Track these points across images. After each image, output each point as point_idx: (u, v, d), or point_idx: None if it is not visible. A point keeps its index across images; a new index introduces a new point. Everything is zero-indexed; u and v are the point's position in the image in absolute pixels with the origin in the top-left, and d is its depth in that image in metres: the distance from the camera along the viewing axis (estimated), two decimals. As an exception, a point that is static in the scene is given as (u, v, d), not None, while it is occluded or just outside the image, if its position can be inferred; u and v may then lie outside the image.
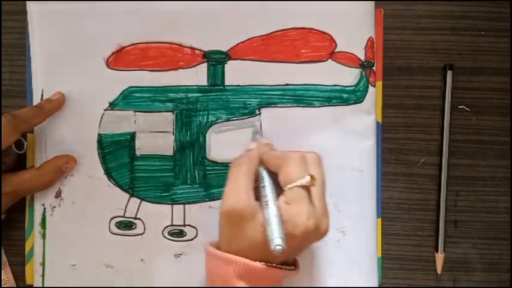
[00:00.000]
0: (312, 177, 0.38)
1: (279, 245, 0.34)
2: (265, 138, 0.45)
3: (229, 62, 0.48)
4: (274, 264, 0.38)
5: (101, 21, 0.47)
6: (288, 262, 0.40)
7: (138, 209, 0.48)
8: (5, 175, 0.46)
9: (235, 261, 0.37)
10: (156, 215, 0.48)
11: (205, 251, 0.40)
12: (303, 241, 0.38)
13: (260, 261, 0.37)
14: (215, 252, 0.39)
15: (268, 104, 0.48)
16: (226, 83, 0.48)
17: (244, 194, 0.38)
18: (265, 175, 0.40)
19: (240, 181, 0.39)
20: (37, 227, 0.49)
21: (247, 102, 0.48)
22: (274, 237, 0.35)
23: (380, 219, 0.50)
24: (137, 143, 0.48)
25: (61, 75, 0.48)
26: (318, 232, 0.38)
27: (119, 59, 0.47)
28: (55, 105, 0.47)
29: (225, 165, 0.48)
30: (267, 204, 0.37)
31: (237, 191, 0.38)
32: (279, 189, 0.39)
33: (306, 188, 0.38)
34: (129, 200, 0.48)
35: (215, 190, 0.48)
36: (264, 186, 0.39)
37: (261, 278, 0.38)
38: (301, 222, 0.36)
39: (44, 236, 0.49)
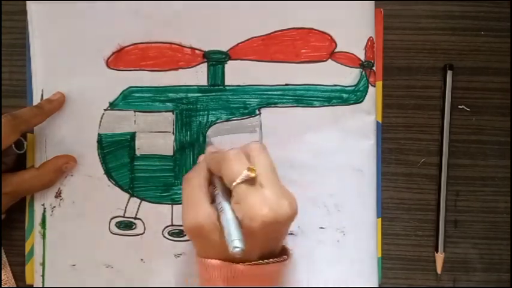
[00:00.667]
0: (250, 168, 0.36)
1: (237, 246, 0.34)
2: (212, 146, 0.46)
3: (229, 62, 0.48)
4: (258, 261, 0.37)
5: (101, 21, 0.47)
6: (274, 254, 0.39)
7: (138, 209, 0.48)
8: (5, 175, 0.46)
9: (218, 266, 0.37)
10: (156, 215, 0.48)
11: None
12: (268, 231, 0.36)
13: (241, 263, 0.37)
14: (199, 259, 0.39)
15: (268, 104, 0.48)
16: (226, 83, 0.48)
17: (200, 208, 0.38)
18: (217, 183, 0.40)
19: (193, 196, 0.39)
20: (37, 227, 0.49)
21: (247, 102, 0.48)
22: (231, 240, 0.34)
23: (380, 219, 0.50)
24: (137, 143, 0.48)
25: (61, 75, 0.48)
26: (279, 217, 0.36)
27: (119, 59, 0.47)
28: (55, 105, 0.47)
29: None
30: (222, 209, 0.37)
31: (193, 206, 0.38)
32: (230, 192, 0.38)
33: (251, 181, 0.37)
34: (129, 200, 0.48)
35: (215, 190, 0.48)
36: (217, 193, 0.39)
37: (248, 278, 0.37)
38: (255, 215, 0.35)
39: (44, 236, 0.49)
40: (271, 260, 0.38)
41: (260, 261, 0.38)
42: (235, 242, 0.34)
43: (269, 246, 0.39)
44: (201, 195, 0.39)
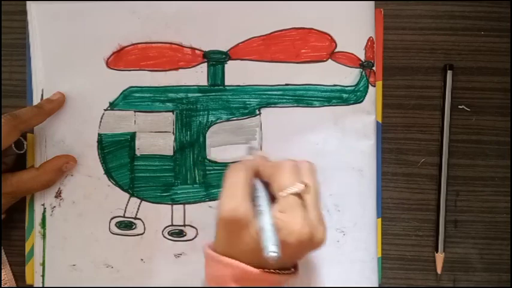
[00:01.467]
0: (306, 184, 0.38)
1: (274, 251, 0.34)
2: (262, 152, 0.46)
3: (229, 62, 0.48)
4: (271, 270, 0.38)
5: (101, 21, 0.47)
6: (285, 267, 0.40)
7: (138, 209, 0.48)
8: (5, 175, 0.46)
9: (232, 265, 0.37)
10: (156, 215, 0.48)
11: (203, 253, 0.40)
12: (298, 249, 0.37)
13: (256, 267, 0.37)
14: (213, 255, 0.39)
15: (268, 104, 0.48)
16: (226, 83, 0.48)
17: (242, 201, 0.38)
18: (259, 186, 0.40)
19: (237, 187, 0.38)
20: (37, 227, 0.49)
21: (247, 102, 0.48)
22: (268, 245, 0.34)
23: (380, 219, 0.50)
24: (137, 143, 0.48)
25: (61, 75, 0.48)
26: (313, 240, 0.37)
27: (119, 59, 0.47)
28: (55, 105, 0.47)
29: (225, 165, 0.48)
30: (262, 212, 0.37)
31: (235, 197, 0.38)
32: (272, 200, 0.39)
33: (300, 196, 0.38)
34: (129, 200, 0.48)
35: (215, 190, 0.48)
36: (258, 196, 0.39)
37: (257, 282, 0.37)
38: (295, 230, 0.36)
39: (44, 236, 0.49)
40: (283, 271, 0.38)
41: (272, 270, 0.38)
42: (272, 247, 0.34)
43: (290, 261, 0.39)
44: (245, 189, 0.39)
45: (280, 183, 0.38)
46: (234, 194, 0.38)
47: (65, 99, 0.48)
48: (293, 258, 0.39)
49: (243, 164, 0.41)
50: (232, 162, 0.48)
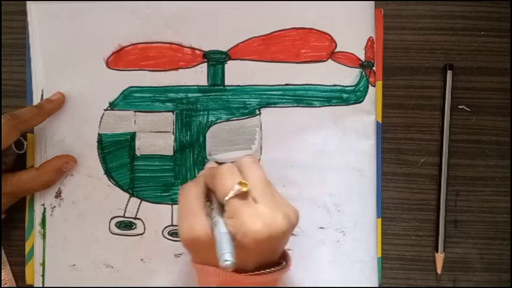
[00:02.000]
0: (242, 183, 0.36)
1: (227, 260, 0.34)
2: (211, 162, 0.46)
3: (229, 62, 0.47)
4: (256, 272, 0.37)
5: (101, 21, 0.47)
6: (273, 262, 0.39)
7: (138, 209, 0.48)
8: (5, 175, 0.46)
9: (216, 274, 0.37)
10: (156, 215, 0.48)
11: (192, 267, 0.40)
12: (263, 246, 0.36)
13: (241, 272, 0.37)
14: (197, 266, 0.39)
15: (268, 104, 0.48)
16: (226, 83, 0.48)
17: (196, 219, 0.37)
18: (212, 197, 0.40)
19: (189, 207, 0.38)
20: (37, 227, 0.49)
21: (247, 102, 0.48)
22: (221, 254, 0.34)
23: (380, 219, 0.49)
24: (137, 143, 0.48)
25: (61, 75, 0.48)
26: (273, 232, 0.35)
27: (119, 59, 0.47)
28: (55, 105, 0.47)
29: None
30: (215, 223, 0.37)
31: (189, 217, 0.38)
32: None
33: (243, 195, 0.36)
34: (129, 200, 0.48)
35: (215, 190, 0.48)
36: (213, 208, 0.39)
37: (247, 285, 0.37)
38: (247, 231, 0.35)
39: (44, 236, 0.49)
40: (268, 270, 0.37)
41: (257, 272, 0.37)
42: (226, 256, 0.34)
43: (265, 259, 0.38)
44: (198, 206, 0.38)
45: (221, 190, 0.37)
46: (187, 213, 0.38)
47: (64, 99, 0.47)
48: (266, 255, 0.38)
49: (193, 182, 0.41)
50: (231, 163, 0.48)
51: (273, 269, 0.38)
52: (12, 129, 0.43)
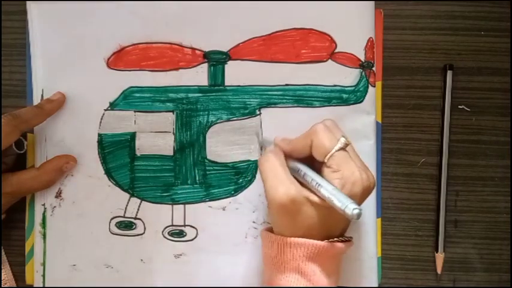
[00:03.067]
0: (345, 137, 0.40)
1: (357, 208, 0.35)
2: (277, 136, 0.45)
3: (230, 62, 0.47)
4: (336, 239, 0.39)
5: (102, 21, 0.47)
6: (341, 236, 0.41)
7: (138, 209, 0.48)
8: (5, 175, 0.46)
9: (304, 244, 0.38)
10: (156, 215, 0.48)
11: (263, 238, 0.42)
12: (363, 197, 0.39)
13: (321, 239, 0.38)
14: (280, 239, 0.39)
15: (269, 104, 0.48)
16: (226, 83, 0.48)
17: (290, 183, 0.39)
18: (299, 165, 0.41)
19: (279, 172, 0.39)
20: (37, 227, 0.49)
21: (248, 103, 0.48)
22: (347, 204, 0.35)
23: (380, 219, 0.49)
24: (137, 143, 0.48)
25: (61, 75, 0.47)
26: (372, 184, 0.39)
27: (119, 59, 0.47)
28: (55, 105, 0.47)
29: (225, 165, 0.48)
30: (319, 185, 0.38)
31: (281, 181, 0.39)
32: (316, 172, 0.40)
33: (344, 149, 0.39)
34: (129, 200, 0.48)
35: (215, 190, 0.48)
36: (304, 173, 0.40)
37: (328, 256, 0.39)
38: (357, 180, 0.38)
39: (44, 236, 0.48)
40: (345, 237, 0.41)
41: (337, 239, 0.39)
42: (354, 205, 0.35)
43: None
44: (286, 172, 0.40)
45: (323, 147, 0.39)
46: (278, 178, 0.39)
47: (65, 99, 0.47)
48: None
49: (272, 152, 0.42)
50: (231, 163, 0.48)
51: (347, 238, 0.41)
52: (13, 129, 0.43)
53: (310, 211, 0.38)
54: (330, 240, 0.39)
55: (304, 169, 0.40)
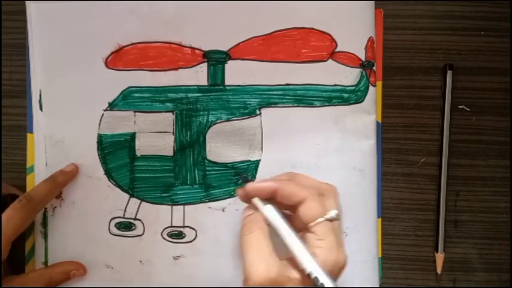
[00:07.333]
0: (337, 211, 0.37)
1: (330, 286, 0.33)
2: (258, 179, 0.43)
3: (230, 62, 0.45)
4: None
5: (100, 20, 0.45)
6: None
7: (137, 209, 0.46)
8: (12, 278, 0.43)
9: None
10: (156, 216, 0.46)
11: None
12: (337, 275, 0.36)
13: None
14: None
15: (269, 104, 0.45)
16: (226, 83, 0.45)
17: (273, 261, 0.35)
18: (281, 228, 0.37)
19: (262, 247, 0.35)
20: (38, 227, 0.46)
21: (248, 102, 0.45)
22: (325, 282, 0.34)
23: (380, 219, 0.47)
24: (137, 143, 0.46)
25: (60, 75, 0.45)
26: (344, 263, 0.36)
27: (118, 58, 0.45)
28: (69, 177, 0.45)
29: (225, 166, 0.46)
30: (297, 252, 0.35)
31: (263, 259, 0.35)
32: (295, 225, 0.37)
33: (330, 221, 0.36)
34: (129, 200, 0.46)
35: (215, 191, 0.46)
36: (284, 239, 0.36)
37: None
38: (339, 257, 0.35)
39: (45, 236, 0.46)
40: None
41: None
42: (331, 283, 0.34)
43: None
44: (269, 246, 0.36)
45: (309, 213, 0.36)
46: (260, 254, 0.35)
47: (78, 170, 0.45)
48: None
49: (255, 222, 0.37)
50: (231, 163, 0.46)
51: None
52: (30, 213, 0.42)
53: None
54: None
55: (284, 233, 0.36)
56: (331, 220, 0.36)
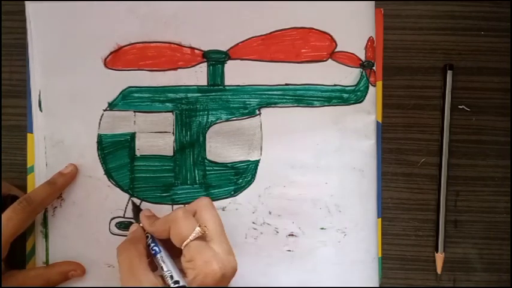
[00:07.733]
0: (201, 226, 0.37)
1: None
2: (146, 210, 0.44)
3: (229, 62, 0.45)
4: None
5: (99, 21, 0.44)
6: None
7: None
8: (12, 273, 0.43)
9: None
10: (156, 216, 0.46)
11: None
12: (221, 284, 0.36)
13: None
14: None
15: (269, 104, 0.45)
16: (226, 83, 0.45)
17: (145, 278, 0.36)
18: (157, 248, 0.39)
19: (134, 267, 0.37)
20: (39, 227, 0.46)
21: (247, 102, 0.45)
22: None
23: (380, 219, 0.47)
24: (137, 143, 0.45)
25: (59, 76, 0.45)
26: (228, 272, 0.36)
27: (117, 58, 0.45)
28: (68, 179, 0.45)
29: (225, 166, 0.46)
30: (168, 276, 0.37)
31: (135, 275, 0.36)
32: (175, 251, 0.38)
33: (202, 238, 0.37)
34: (129, 200, 0.46)
35: (215, 190, 0.46)
36: (160, 260, 0.38)
37: None
38: (209, 272, 0.35)
39: (46, 236, 0.46)
40: None
41: None
42: None
43: None
44: (142, 264, 0.37)
45: (179, 235, 0.37)
46: (133, 271, 0.37)
47: (77, 170, 0.45)
48: None
49: (131, 240, 0.40)
50: (231, 163, 0.45)
51: None
52: (29, 215, 0.42)
53: None
54: None
55: (160, 255, 0.38)
56: (198, 237, 0.37)
